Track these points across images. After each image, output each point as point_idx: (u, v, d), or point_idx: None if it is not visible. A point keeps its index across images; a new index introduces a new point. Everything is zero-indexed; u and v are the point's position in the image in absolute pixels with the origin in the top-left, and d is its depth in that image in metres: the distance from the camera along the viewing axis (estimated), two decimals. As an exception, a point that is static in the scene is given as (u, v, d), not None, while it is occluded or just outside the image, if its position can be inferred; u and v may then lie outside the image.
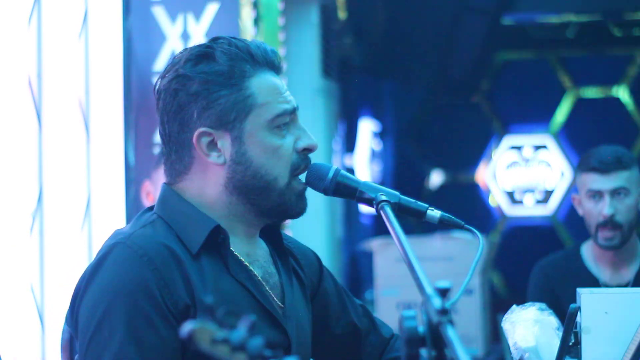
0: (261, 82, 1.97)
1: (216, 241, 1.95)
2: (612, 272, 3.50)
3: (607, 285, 3.49)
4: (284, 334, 1.99)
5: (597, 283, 3.49)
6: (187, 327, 1.36)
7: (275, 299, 2.01)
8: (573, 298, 2.27)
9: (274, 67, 2.01)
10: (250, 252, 2.02)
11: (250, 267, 1.99)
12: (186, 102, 1.94)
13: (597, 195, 3.43)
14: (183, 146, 1.97)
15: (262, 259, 2.04)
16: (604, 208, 3.40)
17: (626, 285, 3.44)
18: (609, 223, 3.41)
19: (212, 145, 1.95)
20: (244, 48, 1.97)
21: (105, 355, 1.83)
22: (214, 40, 1.99)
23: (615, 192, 3.41)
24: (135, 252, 1.88)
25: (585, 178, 3.48)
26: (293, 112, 2.00)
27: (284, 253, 2.10)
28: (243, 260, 1.99)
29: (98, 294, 1.87)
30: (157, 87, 2.00)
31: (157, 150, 4.34)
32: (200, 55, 1.96)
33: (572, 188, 7.90)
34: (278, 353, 1.41)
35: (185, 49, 2.02)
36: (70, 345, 2.02)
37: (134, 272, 1.86)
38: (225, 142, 1.95)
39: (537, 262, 3.68)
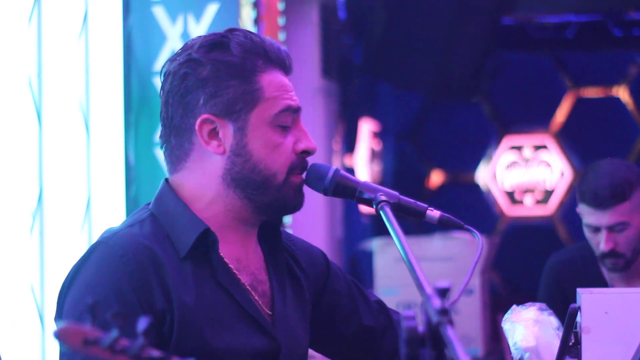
0: (271, 79, 1.96)
1: (205, 244, 1.93)
2: (625, 285, 3.32)
3: None
4: (272, 341, 1.97)
5: None
6: (57, 326, 1.34)
7: (263, 307, 1.99)
8: None
9: (285, 67, 2.01)
10: (241, 257, 2.00)
11: (237, 274, 1.97)
12: (194, 86, 1.94)
13: (594, 229, 3.21)
14: (184, 131, 1.96)
15: (254, 265, 2.02)
16: (602, 243, 3.19)
17: None
18: (609, 255, 3.20)
19: (214, 133, 1.94)
20: (259, 43, 1.97)
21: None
22: (230, 31, 1.99)
23: (613, 228, 3.18)
24: (115, 252, 1.88)
25: (581, 208, 3.24)
26: (297, 111, 1.99)
27: (281, 255, 2.08)
28: (231, 266, 1.97)
29: (78, 294, 1.88)
30: (165, 69, 1.99)
31: (157, 150, 4.34)
32: (215, 43, 1.96)
33: (573, 189, 7.90)
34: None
35: (199, 36, 2.01)
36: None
37: (111, 273, 1.86)
38: (227, 132, 1.94)
39: (553, 255, 3.50)
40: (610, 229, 3.18)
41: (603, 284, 3.32)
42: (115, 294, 1.84)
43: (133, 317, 1.41)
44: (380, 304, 2.23)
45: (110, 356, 1.35)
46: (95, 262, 1.89)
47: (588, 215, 3.21)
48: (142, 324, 1.36)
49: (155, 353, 1.38)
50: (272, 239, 2.08)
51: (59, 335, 1.33)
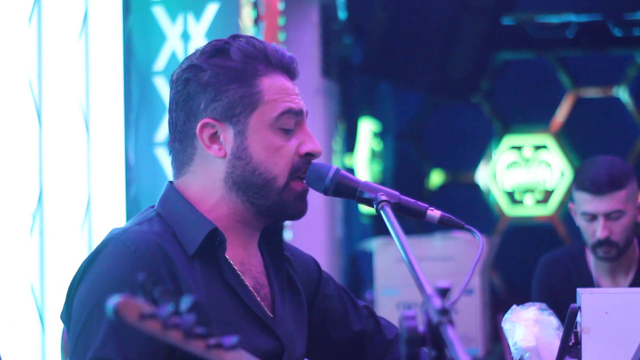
0: (271, 82, 1.97)
1: (213, 244, 1.94)
2: (610, 280, 3.46)
3: None
4: (276, 340, 1.99)
5: None
6: (113, 300, 1.34)
7: (265, 309, 2.01)
8: (572, 300, 2.27)
9: (289, 71, 2.01)
10: (244, 261, 2.01)
11: (242, 276, 1.99)
12: (195, 92, 1.96)
13: (591, 216, 3.33)
14: (187, 136, 1.98)
15: (255, 269, 2.03)
16: (598, 231, 3.31)
17: None
18: (605, 244, 3.33)
19: (215, 137, 1.96)
20: (260, 48, 1.98)
21: (90, 347, 1.84)
22: (233, 37, 2.01)
23: (609, 215, 3.31)
24: (127, 248, 1.88)
25: (578, 197, 3.36)
26: (299, 114, 1.99)
27: (281, 261, 2.10)
28: (235, 268, 1.99)
29: (89, 288, 1.88)
30: (172, 77, 2.02)
31: (157, 150, 4.34)
32: (216, 49, 1.98)
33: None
34: (213, 331, 1.41)
35: (205, 44, 2.04)
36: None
37: (124, 268, 1.87)
38: (227, 136, 1.96)
39: (544, 256, 3.62)
40: (607, 216, 3.31)
41: (589, 280, 3.45)
42: (130, 287, 1.84)
43: None
44: (368, 309, 2.26)
45: (163, 332, 1.36)
46: (108, 257, 1.89)
47: (585, 204, 3.33)
48: (186, 302, 1.37)
49: (201, 330, 1.39)
50: (272, 245, 2.10)
51: (117, 308, 1.33)
